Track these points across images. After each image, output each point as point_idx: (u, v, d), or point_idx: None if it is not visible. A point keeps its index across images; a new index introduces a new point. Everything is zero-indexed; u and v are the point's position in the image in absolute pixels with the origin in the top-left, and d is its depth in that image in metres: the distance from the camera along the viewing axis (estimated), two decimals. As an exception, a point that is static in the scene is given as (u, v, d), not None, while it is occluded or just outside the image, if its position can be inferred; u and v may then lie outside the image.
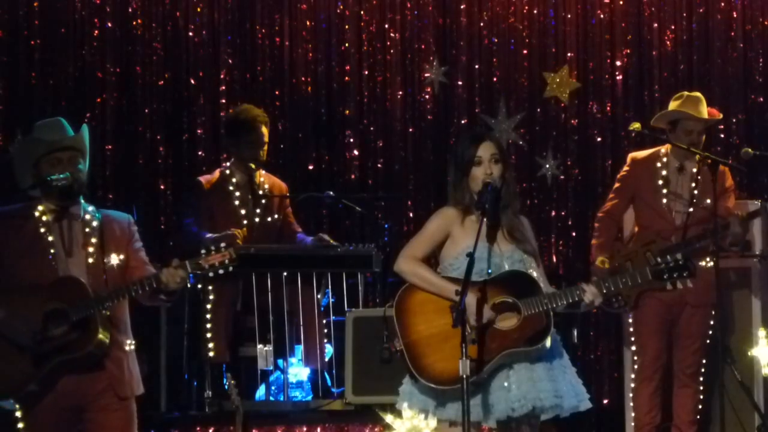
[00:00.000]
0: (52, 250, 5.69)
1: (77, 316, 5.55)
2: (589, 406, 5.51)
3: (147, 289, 5.63)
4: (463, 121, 9.53)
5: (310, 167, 9.49)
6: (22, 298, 5.64)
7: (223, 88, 9.44)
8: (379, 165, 9.52)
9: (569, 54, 9.52)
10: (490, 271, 5.42)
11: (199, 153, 9.39)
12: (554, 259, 9.42)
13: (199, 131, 9.41)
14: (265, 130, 8.26)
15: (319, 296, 8.17)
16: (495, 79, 9.56)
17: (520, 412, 5.37)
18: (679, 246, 7.39)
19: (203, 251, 5.61)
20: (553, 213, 9.49)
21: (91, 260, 5.72)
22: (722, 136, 9.27)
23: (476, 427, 5.44)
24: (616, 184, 7.89)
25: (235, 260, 5.59)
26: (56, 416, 5.66)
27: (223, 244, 5.62)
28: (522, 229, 5.59)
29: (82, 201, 5.85)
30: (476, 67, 9.55)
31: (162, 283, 5.59)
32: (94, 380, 5.66)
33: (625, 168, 7.88)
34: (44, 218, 5.75)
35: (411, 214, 9.45)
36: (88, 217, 5.80)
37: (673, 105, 7.77)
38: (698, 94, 7.77)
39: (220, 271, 5.60)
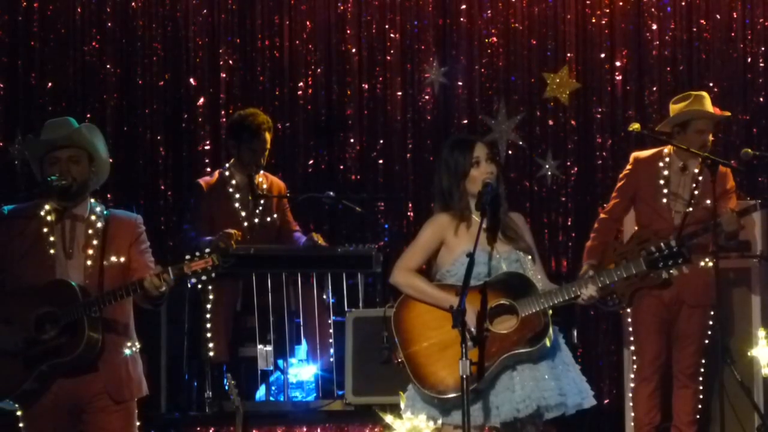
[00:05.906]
0: (51, 251, 5.67)
1: (66, 320, 5.53)
2: (593, 402, 5.52)
3: (131, 295, 5.59)
4: (464, 122, 9.52)
5: (310, 167, 9.49)
6: (17, 300, 5.63)
7: (223, 88, 9.45)
8: (379, 165, 9.52)
9: (569, 54, 9.50)
10: (488, 278, 5.43)
11: (199, 153, 9.39)
12: (554, 260, 9.41)
13: (199, 132, 9.42)
14: (268, 136, 8.28)
15: (325, 296, 8.17)
16: (495, 79, 9.56)
17: (525, 413, 5.37)
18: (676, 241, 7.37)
19: (187, 257, 5.54)
20: (553, 213, 9.48)
21: (89, 262, 5.69)
22: (722, 136, 9.25)
23: (481, 429, 5.45)
24: (619, 183, 7.88)
25: (219, 266, 5.52)
26: (55, 417, 5.66)
27: (207, 250, 5.54)
28: (515, 227, 5.60)
29: (92, 201, 5.80)
30: (476, 67, 9.54)
31: (145, 290, 5.54)
32: (91, 382, 5.64)
33: (628, 167, 7.87)
34: (48, 218, 5.72)
35: (411, 214, 9.44)
36: (93, 217, 5.75)
37: (679, 106, 7.69)
38: (704, 92, 7.74)
39: (203, 278, 5.53)
